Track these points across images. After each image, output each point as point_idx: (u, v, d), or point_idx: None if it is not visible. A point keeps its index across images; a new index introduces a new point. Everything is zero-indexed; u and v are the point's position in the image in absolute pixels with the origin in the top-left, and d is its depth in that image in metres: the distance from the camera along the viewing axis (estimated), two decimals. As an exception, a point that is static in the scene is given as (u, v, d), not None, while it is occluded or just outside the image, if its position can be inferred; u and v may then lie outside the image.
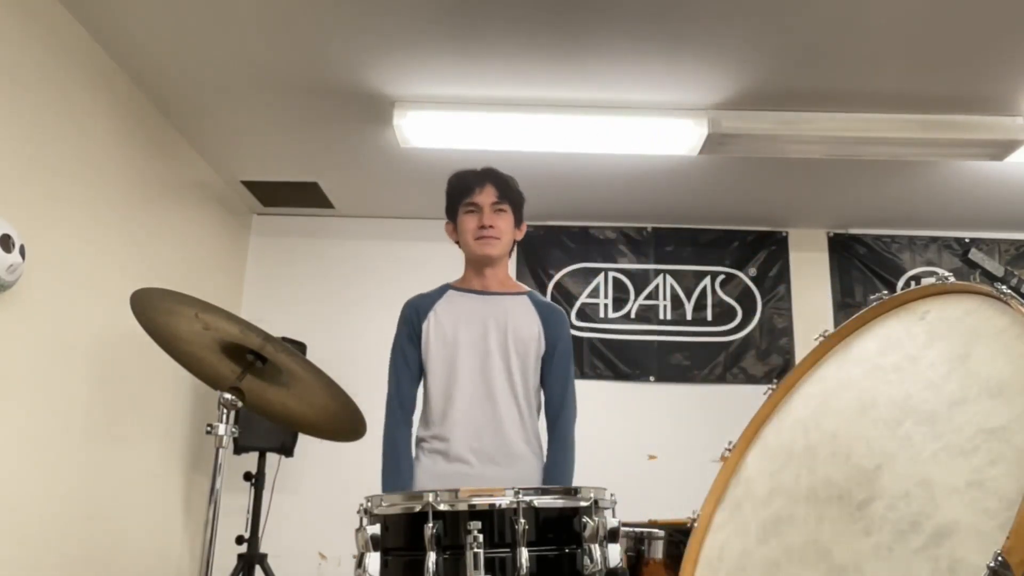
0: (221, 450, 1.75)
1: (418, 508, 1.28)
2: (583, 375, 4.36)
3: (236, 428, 1.77)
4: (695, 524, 1.49)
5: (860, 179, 3.91)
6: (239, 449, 3.55)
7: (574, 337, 4.05)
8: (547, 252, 4.54)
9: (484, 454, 2.14)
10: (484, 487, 1.33)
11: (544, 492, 1.32)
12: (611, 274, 4.54)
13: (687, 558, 1.45)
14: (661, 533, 1.81)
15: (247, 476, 3.53)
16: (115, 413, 3.10)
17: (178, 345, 1.82)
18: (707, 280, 4.55)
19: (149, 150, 3.33)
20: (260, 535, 3.55)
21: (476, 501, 1.28)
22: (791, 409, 1.49)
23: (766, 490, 1.38)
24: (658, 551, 1.79)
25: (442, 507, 1.27)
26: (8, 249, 2.29)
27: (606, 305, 4.49)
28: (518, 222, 2.32)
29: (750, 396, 1.67)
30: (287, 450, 3.73)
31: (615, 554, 1.31)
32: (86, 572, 2.89)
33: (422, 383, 2.27)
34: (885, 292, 1.46)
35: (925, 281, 1.34)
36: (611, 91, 3.16)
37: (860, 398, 1.29)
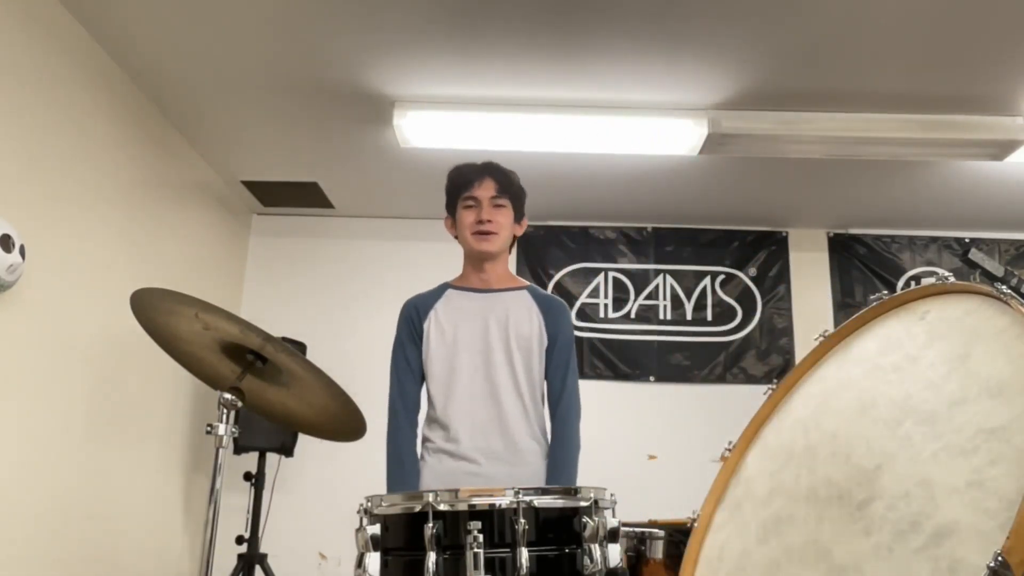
0: (221, 450, 1.75)
1: (418, 508, 1.28)
2: (583, 375, 4.35)
3: (236, 428, 1.77)
4: (695, 524, 1.50)
5: (860, 179, 3.91)
6: (239, 449, 3.55)
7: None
8: (547, 252, 4.54)
9: (491, 453, 2.13)
10: (494, 487, 1.32)
11: (544, 492, 1.32)
12: (611, 274, 4.54)
13: (687, 558, 1.46)
14: (661, 533, 1.81)
15: (247, 476, 3.53)
16: (115, 413, 3.10)
17: (178, 345, 1.82)
18: (707, 280, 4.55)
19: (149, 150, 3.33)
20: (260, 535, 3.55)
21: (476, 501, 1.28)
22: (791, 409, 1.49)
23: (766, 490, 1.38)
24: (658, 551, 1.79)
25: (442, 507, 1.27)
26: (8, 249, 2.29)
27: (606, 305, 4.49)
28: (519, 217, 2.29)
29: (750, 396, 1.67)
30: (287, 450, 3.73)
31: (615, 554, 1.31)
32: (86, 572, 2.89)
33: (424, 383, 2.26)
34: (885, 292, 1.46)
35: (925, 281, 1.34)
36: (611, 91, 3.16)
37: (860, 398, 1.29)
